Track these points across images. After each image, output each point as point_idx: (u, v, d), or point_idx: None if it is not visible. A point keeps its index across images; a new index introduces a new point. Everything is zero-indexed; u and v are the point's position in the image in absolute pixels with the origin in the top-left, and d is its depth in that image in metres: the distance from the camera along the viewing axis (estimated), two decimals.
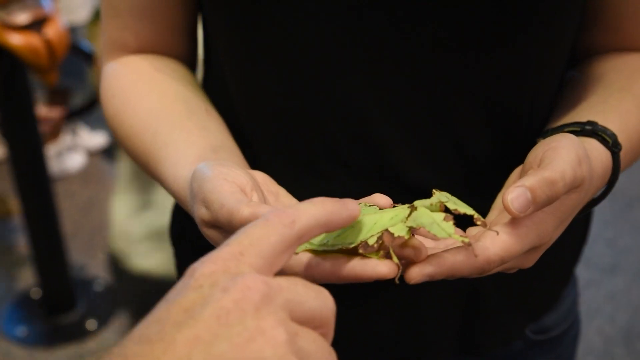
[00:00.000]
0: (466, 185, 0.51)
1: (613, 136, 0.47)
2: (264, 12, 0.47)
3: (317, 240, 0.39)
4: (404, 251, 0.37)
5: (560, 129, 0.48)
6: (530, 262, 0.43)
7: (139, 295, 2.17)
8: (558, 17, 0.47)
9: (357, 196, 0.48)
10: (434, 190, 0.39)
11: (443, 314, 0.53)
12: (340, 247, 0.38)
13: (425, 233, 0.38)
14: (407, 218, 0.38)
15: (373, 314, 0.54)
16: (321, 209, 0.33)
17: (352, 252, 0.38)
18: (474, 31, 0.46)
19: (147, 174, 0.54)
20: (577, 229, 0.62)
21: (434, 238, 0.38)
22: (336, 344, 0.54)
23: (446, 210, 0.38)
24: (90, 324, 2.01)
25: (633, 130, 0.51)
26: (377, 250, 0.37)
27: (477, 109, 0.49)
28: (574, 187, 0.40)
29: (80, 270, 2.29)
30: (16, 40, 1.75)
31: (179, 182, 0.48)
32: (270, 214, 0.31)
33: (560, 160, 0.40)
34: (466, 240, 0.35)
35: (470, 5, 0.45)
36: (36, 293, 2.11)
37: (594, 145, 0.46)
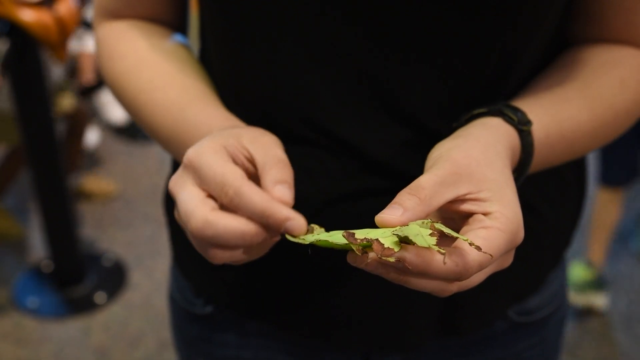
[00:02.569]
0: (420, 163, 0.51)
1: (520, 115, 0.48)
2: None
3: (309, 237, 0.42)
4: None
5: (472, 114, 0.50)
6: (508, 262, 0.45)
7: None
8: None
9: (332, 171, 0.52)
10: (430, 219, 0.41)
11: (424, 295, 0.53)
12: (328, 244, 0.41)
13: None
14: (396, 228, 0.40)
15: (354, 296, 0.56)
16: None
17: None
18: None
19: (151, 136, 0.57)
20: (568, 213, 0.62)
21: (406, 259, 0.39)
22: (318, 326, 0.56)
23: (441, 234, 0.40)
24: (99, 297, 2.06)
25: (567, 117, 0.51)
26: (358, 244, 0.39)
27: (434, 76, 0.50)
28: (446, 187, 0.42)
29: (91, 245, 2.33)
30: (28, 16, 1.77)
31: (183, 145, 0.51)
32: None
33: (423, 175, 0.43)
34: (442, 251, 0.37)
35: None
36: (47, 266, 2.16)
37: (495, 122, 0.48)
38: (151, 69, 0.56)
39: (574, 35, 0.57)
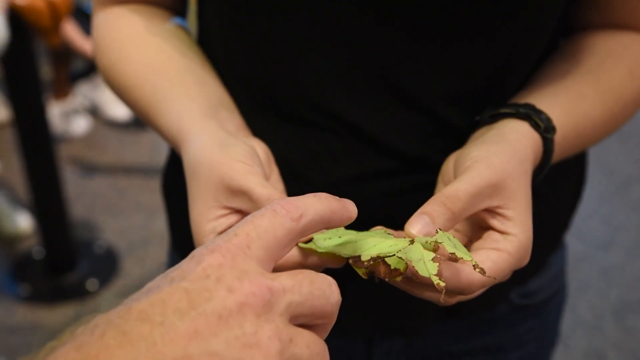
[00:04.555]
0: (426, 145, 0.52)
1: (547, 121, 0.48)
2: None
3: (321, 243, 0.42)
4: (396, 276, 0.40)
5: (497, 112, 0.49)
6: (507, 277, 0.46)
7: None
8: None
9: (337, 154, 0.51)
10: (437, 229, 0.41)
11: None
12: (338, 253, 0.42)
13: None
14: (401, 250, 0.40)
15: (356, 280, 0.55)
16: (326, 206, 0.34)
17: (342, 260, 0.42)
18: None
19: (146, 124, 0.56)
20: (568, 195, 0.63)
21: (415, 274, 0.40)
22: None
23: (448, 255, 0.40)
24: (91, 284, 2.05)
25: (582, 115, 0.51)
26: (365, 268, 0.40)
27: (441, 62, 0.49)
28: (481, 198, 0.43)
29: (82, 232, 2.31)
30: (20, 0, 1.75)
31: (183, 133, 0.49)
32: (278, 206, 0.32)
33: (456, 182, 0.43)
34: (442, 284, 0.37)
35: None
36: (39, 253, 2.14)
37: (523, 129, 0.48)
38: (149, 51, 0.55)
39: (579, 20, 0.56)
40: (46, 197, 1.95)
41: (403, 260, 0.39)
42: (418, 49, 0.49)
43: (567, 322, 1.92)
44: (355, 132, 0.51)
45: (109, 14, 0.59)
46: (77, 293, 2.02)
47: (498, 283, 0.58)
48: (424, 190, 0.51)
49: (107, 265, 2.14)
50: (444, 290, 0.37)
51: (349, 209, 0.36)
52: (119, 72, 0.56)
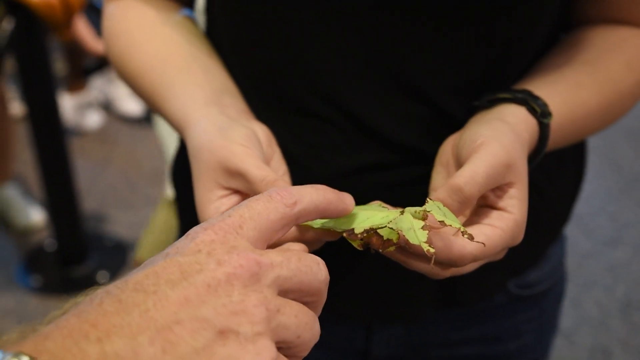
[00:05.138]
0: (426, 136, 0.53)
1: (543, 106, 0.49)
2: None
3: (316, 221, 0.44)
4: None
5: (495, 97, 0.50)
6: (500, 256, 0.47)
7: None
8: None
9: (338, 146, 0.52)
10: (427, 199, 0.42)
11: None
12: (332, 228, 0.43)
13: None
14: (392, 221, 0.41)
15: (355, 268, 0.56)
16: (322, 197, 0.36)
17: (337, 234, 0.44)
18: None
19: (154, 111, 0.58)
20: (566, 187, 0.63)
21: (407, 243, 0.41)
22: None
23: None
24: (102, 276, 2.08)
25: (579, 103, 0.52)
26: (360, 240, 0.41)
27: (445, 53, 0.50)
28: (495, 180, 0.44)
29: (93, 225, 2.34)
30: None
31: (187, 119, 0.51)
32: (274, 192, 0.34)
33: (472, 164, 0.44)
34: (432, 250, 0.38)
35: None
36: (50, 245, 2.17)
37: (521, 114, 0.49)
38: (158, 40, 0.57)
39: (578, 15, 0.57)
40: (58, 191, 1.97)
41: (394, 230, 0.40)
42: (420, 39, 0.50)
43: (573, 319, 1.92)
44: (356, 123, 0.52)
45: (120, 4, 0.61)
46: (87, 285, 2.01)
47: (495, 272, 0.59)
48: (424, 182, 0.52)
49: (117, 258, 2.16)
50: (433, 258, 0.39)
51: (346, 201, 0.38)
52: (128, 60, 0.58)
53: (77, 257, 2.09)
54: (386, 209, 0.45)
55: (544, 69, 0.54)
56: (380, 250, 0.41)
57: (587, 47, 0.55)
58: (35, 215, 2.27)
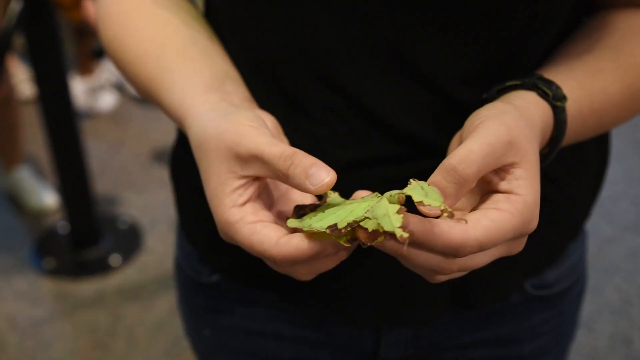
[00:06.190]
0: (437, 127, 0.50)
1: (556, 89, 0.45)
2: None
3: (305, 222, 0.42)
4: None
5: (504, 86, 0.47)
6: (518, 248, 0.42)
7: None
8: None
9: (342, 138, 0.50)
10: (410, 180, 0.39)
11: None
12: (318, 229, 0.40)
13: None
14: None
15: (364, 269, 0.54)
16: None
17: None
18: None
19: (148, 99, 0.55)
20: (588, 183, 0.60)
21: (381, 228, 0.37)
22: (327, 299, 0.55)
23: (408, 202, 0.38)
24: (114, 259, 2.07)
25: (599, 89, 0.49)
26: (345, 235, 0.38)
27: (456, 42, 0.47)
28: (495, 159, 0.40)
29: (106, 208, 2.34)
30: None
31: (186, 108, 0.48)
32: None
33: (467, 142, 0.40)
34: (404, 235, 0.35)
35: None
36: (63, 228, 2.17)
37: (531, 97, 0.45)
38: (155, 24, 0.54)
39: (600, 0, 0.54)
40: (71, 173, 1.97)
41: (371, 219, 0.37)
42: (431, 23, 0.46)
43: (593, 306, 1.88)
44: (362, 113, 0.49)
45: None
46: (100, 268, 2.05)
47: (511, 272, 0.56)
48: None
49: (130, 241, 2.16)
50: (406, 242, 0.36)
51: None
52: (122, 45, 0.54)
53: (89, 240, 2.09)
54: (378, 197, 0.42)
55: (563, 55, 0.50)
56: (369, 244, 0.38)
57: (609, 32, 0.51)
58: (48, 198, 2.28)
